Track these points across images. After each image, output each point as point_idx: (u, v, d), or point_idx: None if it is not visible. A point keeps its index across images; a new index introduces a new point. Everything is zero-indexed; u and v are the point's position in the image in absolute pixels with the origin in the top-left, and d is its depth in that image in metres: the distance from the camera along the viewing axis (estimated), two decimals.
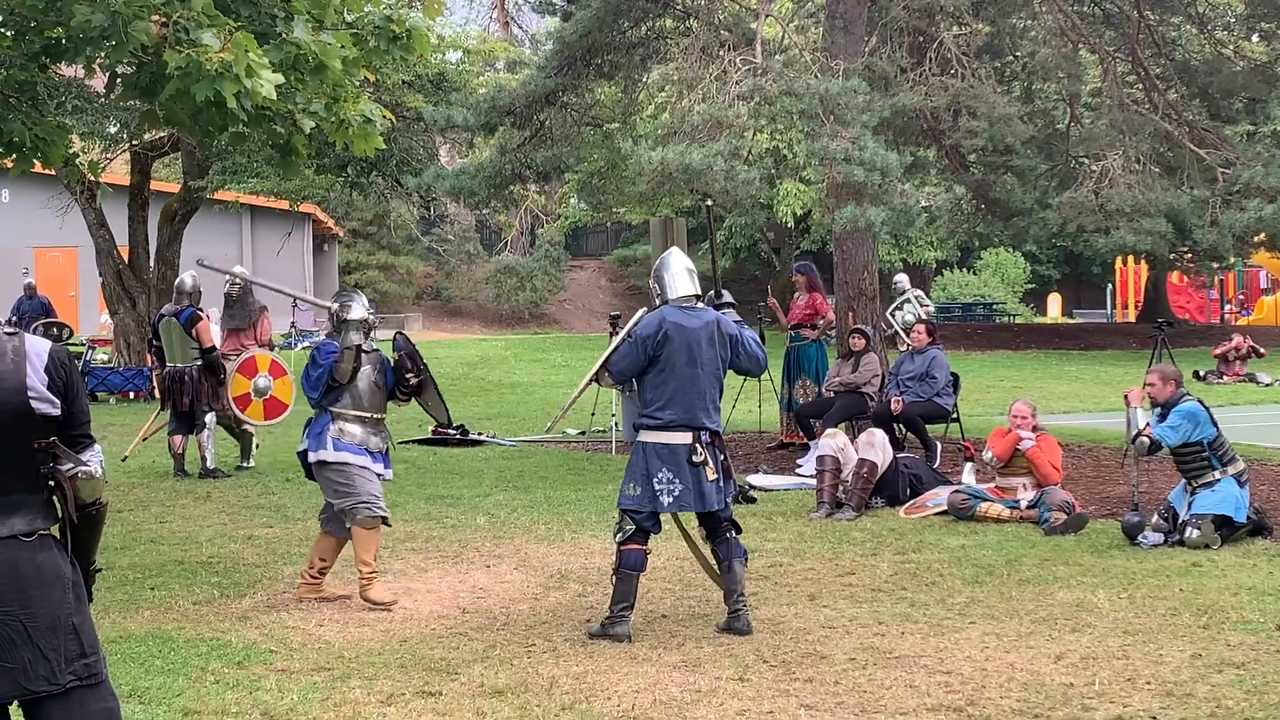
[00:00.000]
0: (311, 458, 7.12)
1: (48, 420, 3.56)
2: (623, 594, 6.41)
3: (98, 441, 3.74)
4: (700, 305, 6.68)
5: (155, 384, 12.59)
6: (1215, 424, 8.55)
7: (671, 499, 6.42)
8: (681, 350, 6.45)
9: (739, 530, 6.69)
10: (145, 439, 12.71)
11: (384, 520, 7.20)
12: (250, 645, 6.31)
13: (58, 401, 3.57)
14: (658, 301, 6.72)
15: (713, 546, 6.63)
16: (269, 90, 6.34)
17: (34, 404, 3.52)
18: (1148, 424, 8.57)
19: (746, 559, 6.69)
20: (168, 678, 5.74)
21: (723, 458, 6.61)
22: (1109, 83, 14.22)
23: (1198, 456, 8.48)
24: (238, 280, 12.69)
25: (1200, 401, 8.60)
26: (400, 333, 7.64)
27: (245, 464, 12.34)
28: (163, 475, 11.99)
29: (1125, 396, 8.81)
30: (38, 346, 3.58)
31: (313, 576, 7.29)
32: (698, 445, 6.44)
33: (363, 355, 7.27)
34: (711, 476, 6.46)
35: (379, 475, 7.26)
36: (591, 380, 7.02)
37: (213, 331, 12.28)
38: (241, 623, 6.77)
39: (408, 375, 7.35)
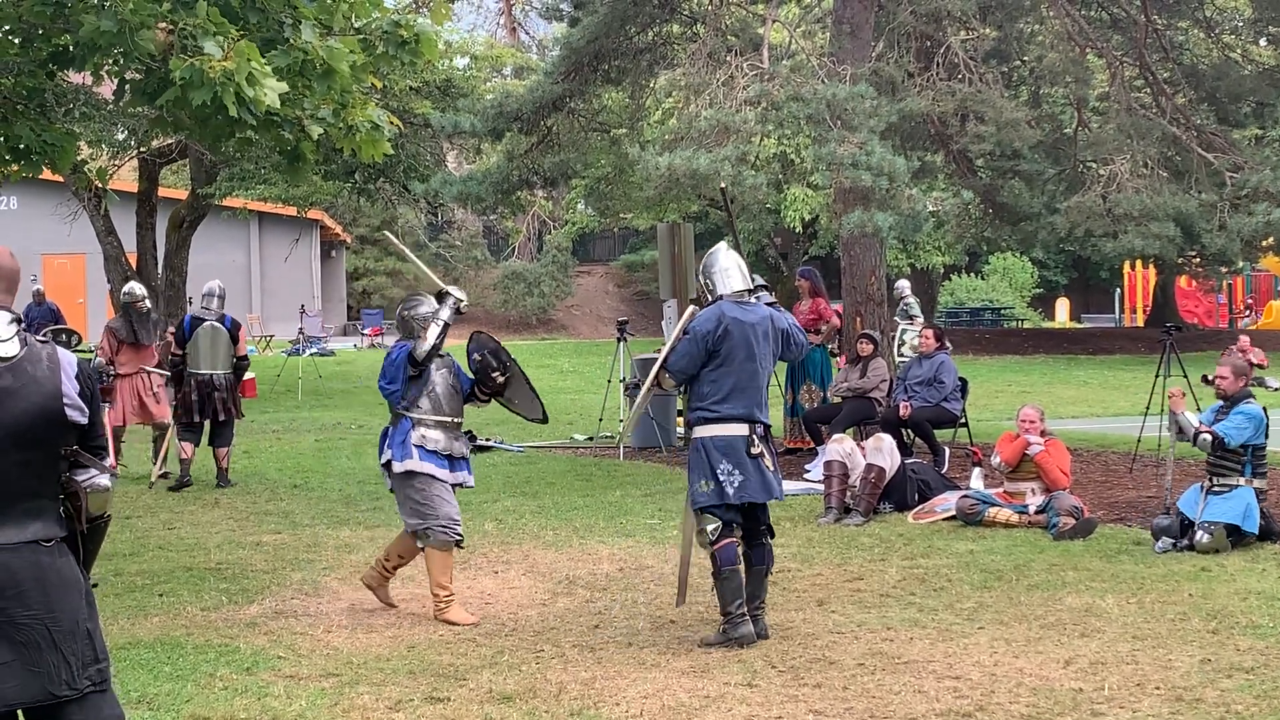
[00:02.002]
0: (397, 467, 6.92)
1: (76, 428, 3.63)
2: (732, 592, 6.36)
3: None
4: (753, 300, 6.69)
5: (177, 393, 12.06)
6: (1267, 434, 8.55)
7: (734, 489, 6.40)
8: (741, 345, 6.46)
9: (773, 535, 6.72)
10: (189, 456, 11.88)
11: (458, 543, 7.07)
12: (258, 651, 6.32)
13: (86, 410, 3.64)
14: (709, 299, 6.71)
15: (747, 548, 6.62)
16: (272, 99, 6.36)
17: (68, 410, 3.59)
18: (1201, 422, 8.53)
19: (771, 569, 6.70)
20: (176, 684, 5.75)
21: (774, 451, 6.65)
22: (1116, 87, 14.21)
23: (1236, 458, 8.45)
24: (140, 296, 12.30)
25: (1264, 408, 8.60)
26: (480, 331, 7.35)
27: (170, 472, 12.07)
28: (170, 480, 11.99)
29: (1170, 398, 8.81)
30: (66, 355, 3.66)
31: (384, 569, 7.20)
32: (754, 438, 6.46)
33: (436, 358, 7.02)
34: (770, 466, 6.49)
35: (462, 483, 7.14)
36: (652, 385, 6.84)
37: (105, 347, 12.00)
38: (250, 629, 6.77)
39: (493, 374, 7.11)
